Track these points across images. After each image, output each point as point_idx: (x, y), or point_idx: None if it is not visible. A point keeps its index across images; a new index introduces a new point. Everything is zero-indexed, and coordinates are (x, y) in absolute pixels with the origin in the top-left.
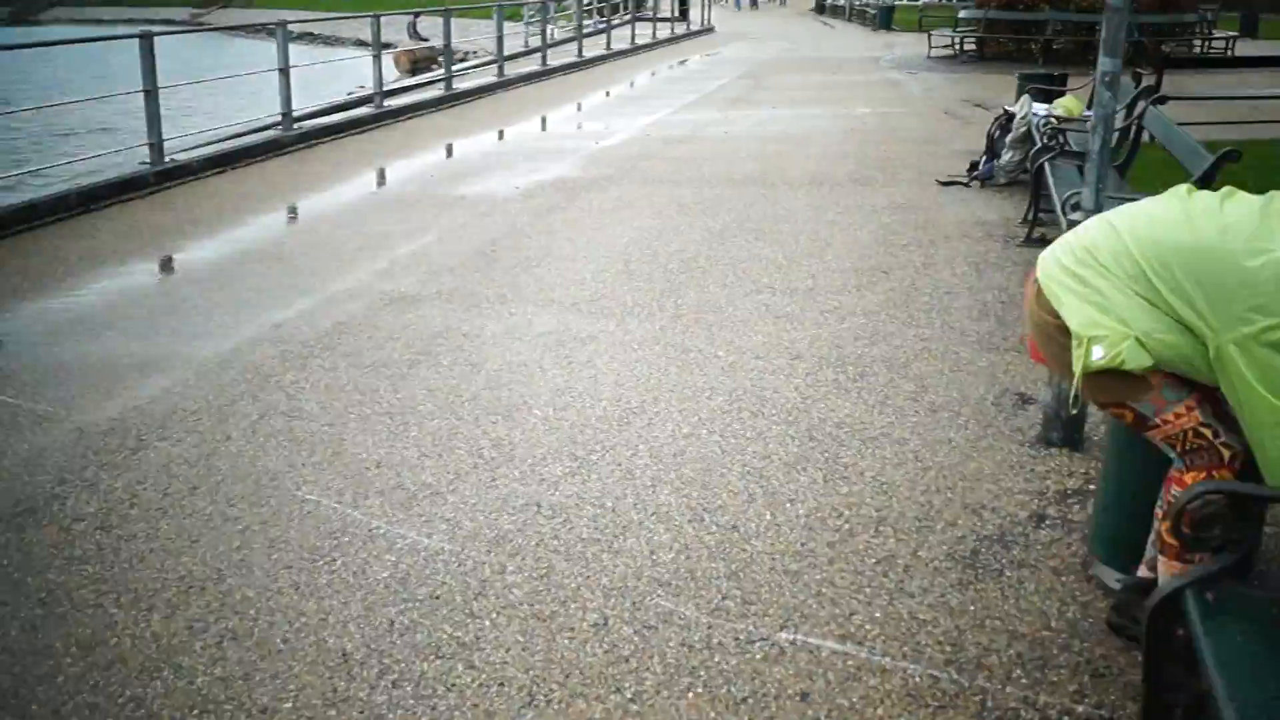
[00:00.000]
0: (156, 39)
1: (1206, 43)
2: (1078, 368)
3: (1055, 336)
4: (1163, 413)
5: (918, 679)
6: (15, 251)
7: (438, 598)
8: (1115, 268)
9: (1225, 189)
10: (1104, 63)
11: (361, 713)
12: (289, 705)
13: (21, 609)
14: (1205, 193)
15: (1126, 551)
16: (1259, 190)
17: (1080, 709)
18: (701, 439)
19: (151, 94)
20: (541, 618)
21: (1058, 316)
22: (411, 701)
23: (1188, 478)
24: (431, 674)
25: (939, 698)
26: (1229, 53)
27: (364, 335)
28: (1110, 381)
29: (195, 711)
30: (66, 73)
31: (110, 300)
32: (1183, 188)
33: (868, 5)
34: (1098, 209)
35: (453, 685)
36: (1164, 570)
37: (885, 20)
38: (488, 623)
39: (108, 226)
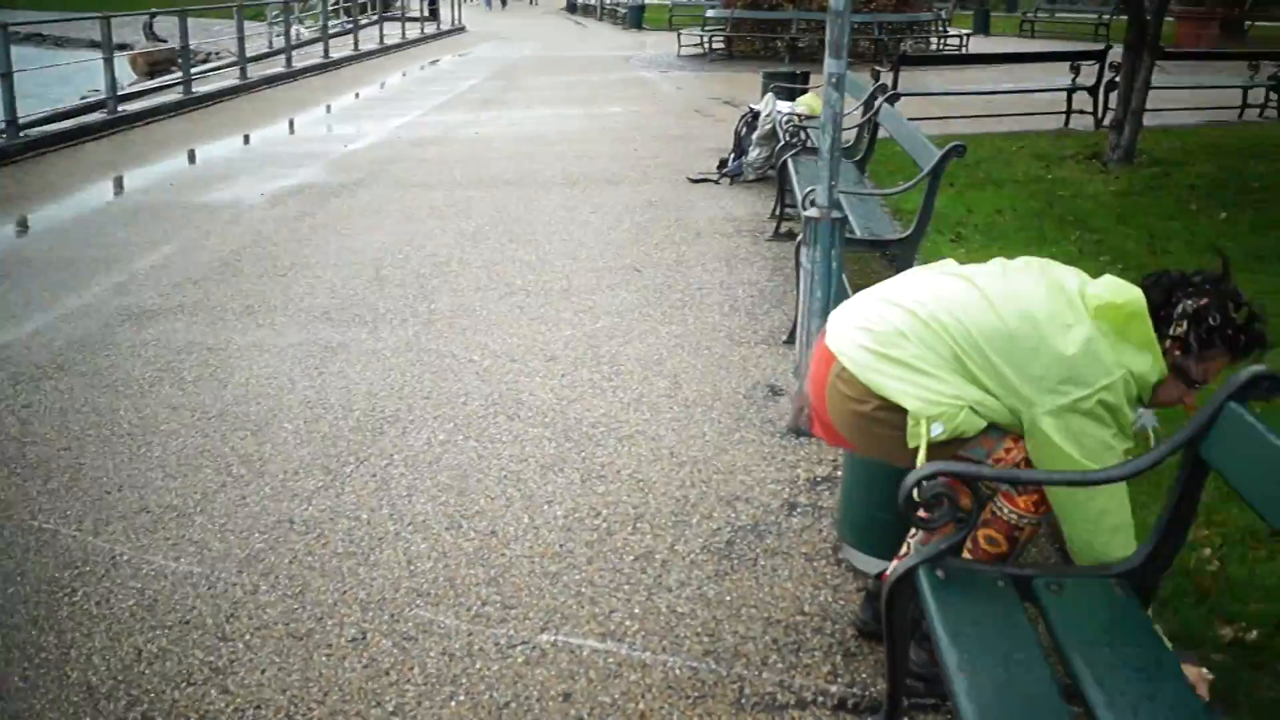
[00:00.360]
0: None
1: (942, 40)
2: (922, 445)
3: (878, 418)
4: (994, 452)
5: (678, 671)
6: None
7: (188, 623)
8: (928, 351)
9: (997, 260)
10: (830, 64)
11: None
12: None
13: None
14: (984, 268)
15: (872, 534)
16: (993, 181)
17: (834, 689)
18: (458, 445)
19: None
20: (297, 636)
21: (871, 399)
22: None
23: (1020, 500)
24: (184, 702)
25: (699, 688)
26: (964, 49)
27: (101, 353)
28: (942, 444)
29: None
30: None
31: None
32: (951, 262)
33: (619, 4)
34: (832, 204)
35: (206, 712)
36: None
37: (636, 19)
38: (241, 645)
39: None
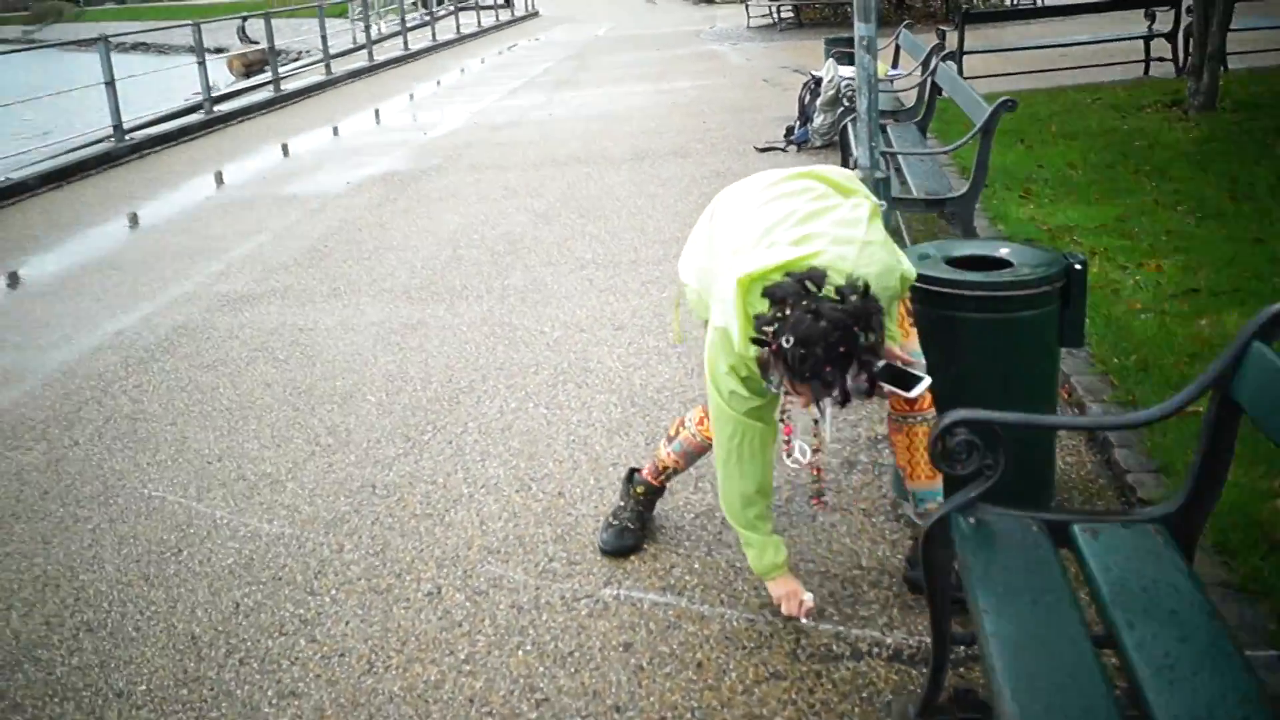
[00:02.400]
0: None
1: None
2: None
3: None
4: None
5: (735, 623)
6: None
7: (280, 579)
8: (701, 235)
9: (810, 184)
10: (859, 28)
11: (211, 690)
12: (143, 688)
13: None
14: (792, 185)
15: None
16: (1065, 135)
17: (889, 640)
18: (528, 412)
19: None
20: (378, 591)
21: None
22: (258, 676)
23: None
24: (276, 650)
25: (755, 639)
26: (1038, 3)
27: (202, 336)
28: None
29: (56, 699)
30: None
31: None
32: (771, 174)
33: None
34: (874, 166)
35: (296, 659)
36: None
37: None
38: (328, 599)
39: None
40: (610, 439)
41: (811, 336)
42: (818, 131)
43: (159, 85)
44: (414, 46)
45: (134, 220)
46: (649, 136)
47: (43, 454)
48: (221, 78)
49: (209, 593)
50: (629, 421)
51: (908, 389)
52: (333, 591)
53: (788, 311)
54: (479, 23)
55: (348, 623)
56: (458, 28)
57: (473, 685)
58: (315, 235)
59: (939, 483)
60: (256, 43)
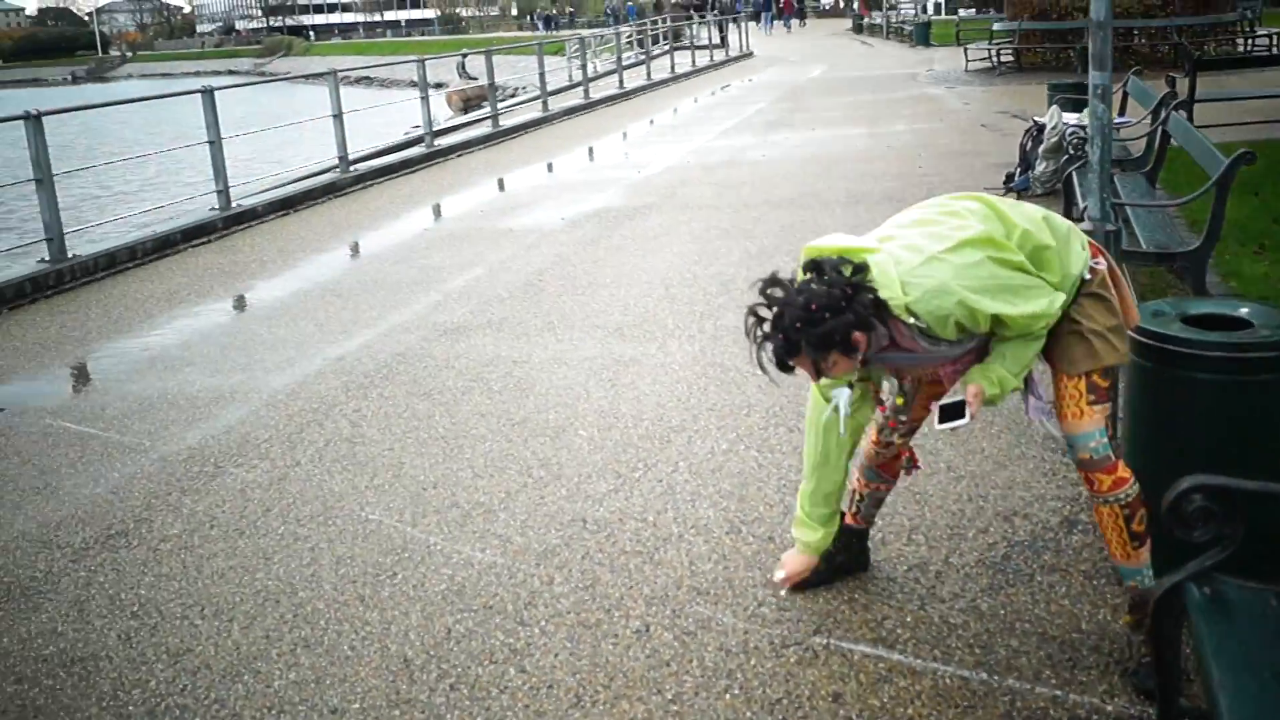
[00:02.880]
0: (227, 90)
1: (1250, 41)
2: None
3: None
4: None
5: (947, 680)
6: (99, 295)
7: (491, 608)
8: None
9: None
10: (1094, 76)
11: (422, 713)
12: (356, 706)
13: (117, 621)
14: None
15: (1154, 554)
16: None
17: (1110, 708)
18: (739, 454)
19: (216, 144)
20: (587, 625)
21: None
22: (468, 703)
23: None
24: (486, 678)
25: (968, 698)
26: (1274, 50)
27: (420, 365)
28: None
29: (273, 712)
30: (150, 123)
31: (187, 338)
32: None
33: (904, 23)
34: (1104, 218)
35: (506, 688)
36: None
37: (922, 36)
38: (537, 630)
39: (181, 270)
40: None
41: (776, 303)
42: (1039, 179)
43: (378, 118)
44: (629, 85)
45: (355, 249)
46: (864, 180)
47: (265, 472)
48: (440, 112)
49: (422, 617)
50: None
51: (939, 421)
52: (542, 623)
53: (777, 300)
54: (693, 62)
55: (556, 655)
56: (672, 67)
57: None
58: (530, 269)
59: (1136, 562)
60: (475, 78)
